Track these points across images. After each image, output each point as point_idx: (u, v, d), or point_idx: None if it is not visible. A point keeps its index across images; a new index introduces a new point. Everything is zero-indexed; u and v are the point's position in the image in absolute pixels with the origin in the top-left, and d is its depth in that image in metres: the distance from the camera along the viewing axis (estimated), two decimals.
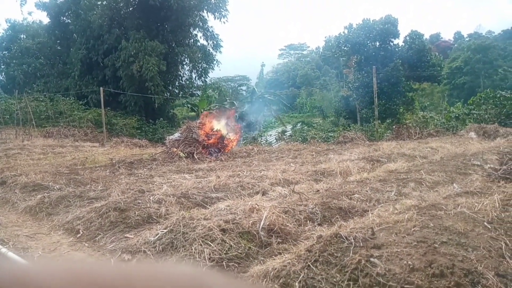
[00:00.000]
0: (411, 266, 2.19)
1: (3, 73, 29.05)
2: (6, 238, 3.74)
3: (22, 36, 30.50)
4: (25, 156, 10.71)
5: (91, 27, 24.79)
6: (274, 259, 2.83)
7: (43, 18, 37.42)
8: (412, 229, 2.76)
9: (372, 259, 2.31)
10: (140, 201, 4.68)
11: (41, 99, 21.93)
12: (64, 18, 26.71)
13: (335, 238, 2.67)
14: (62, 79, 26.60)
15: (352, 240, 2.59)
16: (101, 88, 19.21)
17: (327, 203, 4.24)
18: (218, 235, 3.25)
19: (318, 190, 5.06)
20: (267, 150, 12.01)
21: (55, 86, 26.25)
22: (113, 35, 24.40)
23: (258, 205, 3.91)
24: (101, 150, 12.85)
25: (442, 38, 59.71)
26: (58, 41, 27.77)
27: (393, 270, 2.18)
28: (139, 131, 22.73)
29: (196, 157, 9.82)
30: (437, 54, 37.83)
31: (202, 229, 3.33)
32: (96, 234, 3.96)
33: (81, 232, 4.08)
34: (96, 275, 0.21)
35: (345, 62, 35.58)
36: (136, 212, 4.31)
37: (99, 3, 26.24)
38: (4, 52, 29.69)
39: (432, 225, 2.85)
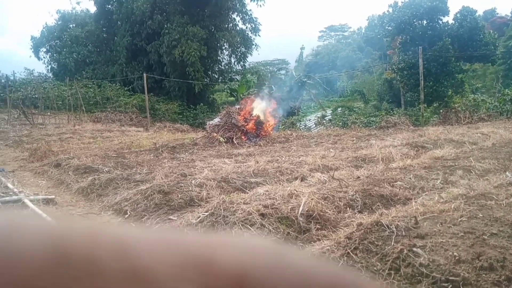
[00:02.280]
0: (457, 258, 2.11)
1: (55, 61, 30.80)
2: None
3: (71, 25, 32.06)
4: (77, 140, 11.43)
5: (134, 14, 25.48)
6: (313, 245, 2.84)
7: (90, 7, 38.98)
8: (459, 219, 2.65)
9: (415, 249, 2.25)
10: (182, 185, 4.85)
11: (89, 86, 23.08)
12: (109, 6, 27.63)
13: (376, 226, 2.62)
14: (109, 65, 27.73)
15: (394, 229, 2.53)
16: (144, 74, 19.85)
17: (368, 190, 4.16)
18: (257, 219, 3.30)
19: (359, 177, 4.97)
20: (306, 136, 11.91)
21: (102, 72, 27.45)
22: (156, 21, 24.92)
23: (296, 191, 3.92)
24: (145, 135, 13.39)
25: (498, 14, 55.13)
26: (104, 29, 28.84)
27: (437, 261, 2.12)
28: (181, 116, 23.32)
29: (235, 142, 9.96)
30: (491, 31, 35.06)
31: (241, 213, 3.40)
32: (142, 215, 4.17)
33: (129, 213, 4.32)
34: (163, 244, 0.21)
35: (389, 43, 34.03)
36: (179, 195, 4.47)
37: None
38: (56, 41, 31.40)
39: (481, 215, 2.72)
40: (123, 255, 0.19)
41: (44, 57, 31.87)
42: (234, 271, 0.20)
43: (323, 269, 0.20)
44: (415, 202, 3.46)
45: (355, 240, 2.53)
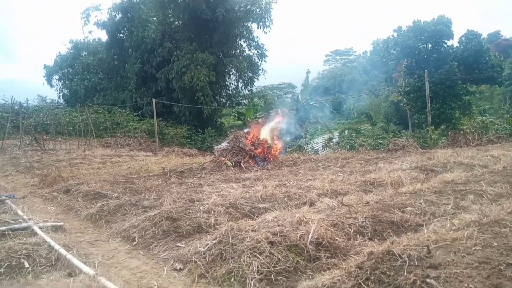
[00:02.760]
0: None
1: (67, 88, 31.57)
2: (70, 244, 4.01)
3: (83, 53, 33.05)
4: (86, 166, 11.53)
5: (145, 42, 26.24)
6: (323, 275, 2.78)
7: (102, 35, 40.15)
8: (473, 248, 2.58)
9: (428, 280, 2.19)
10: (190, 211, 4.82)
11: (100, 111, 23.53)
12: (120, 35, 28.51)
13: (387, 255, 2.56)
14: (119, 92, 28.32)
15: (406, 258, 2.47)
16: (153, 100, 20.20)
17: (378, 216, 4.09)
18: (266, 247, 3.25)
19: (368, 202, 4.90)
20: (313, 159, 11.86)
21: (113, 98, 28.02)
22: (166, 48, 25.57)
23: (306, 217, 3.87)
24: (154, 159, 13.47)
25: (502, 36, 55.43)
26: (115, 57, 29.67)
27: None
28: (189, 140, 23.53)
29: (243, 166, 9.95)
30: (497, 54, 35.19)
31: (250, 241, 3.35)
32: (150, 242, 4.13)
33: (137, 240, 4.29)
34: None
35: (395, 66, 34.29)
36: (187, 222, 4.44)
37: (152, 19, 27.73)
38: (68, 69, 32.32)
39: (495, 244, 2.64)
40: None
41: (56, 85, 32.78)
42: None
43: None
44: (427, 229, 3.39)
45: (367, 270, 2.46)
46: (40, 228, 4.55)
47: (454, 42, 30.03)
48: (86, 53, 32.85)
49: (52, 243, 3.86)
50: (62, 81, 32.37)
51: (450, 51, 28.95)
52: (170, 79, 25.02)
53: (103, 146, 18.01)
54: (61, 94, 32.29)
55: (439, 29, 28.13)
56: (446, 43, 28.93)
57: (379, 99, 41.79)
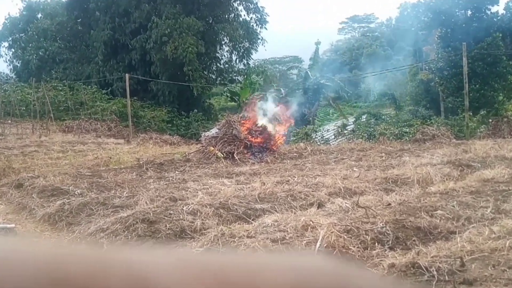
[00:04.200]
0: None
1: (19, 59, 31.23)
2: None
3: (39, 15, 32.65)
4: (43, 155, 11.51)
5: (116, 3, 25.86)
6: None
7: None
8: None
9: None
10: (171, 212, 4.85)
11: (59, 88, 23.34)
12: None
13: (412, 268, 2.60)
14: (83, 64, 28.09)
15: (435, 272, 2.50)
16: (126, 74, 20.08)
17: (401, 221, 4.13)
18: None
19: (390, 204, 4.95)
20: (323, 150, 11.91)
21: (75, 72, 27.78)
22: (143, 11, 25.21)
23: (313, 222, 3.91)
24: (126, 148, 13.47)
25: None
26: (79, 21, 29.28)
27: None
28: (170, 125, 23.50)
29: (236, 158, 9.99)
30: None
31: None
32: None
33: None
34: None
35: (425, 36, 34.20)
36: (167, 225, 4.47)
37: None
38: (20, 35, 31.95)
39: None
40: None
41: (6, 54, 32.42)
42: None
43: None
44: (460, 237, 3.42)
45: None
46: None
47: (499, 9, 29.92)
48: (42, 16, 32.48)
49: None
50: (13, 49, 32.04)
51: (495, 19, 28.84)
52: (147, 49, 24.84)
53: (63, 131, 17.94)
54: (11, 66, 32.03)
55: None
56: (489, 10, 28.80)
57: (405, 78, 41.70)
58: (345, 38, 76.57)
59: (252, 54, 28.65)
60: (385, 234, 3.89)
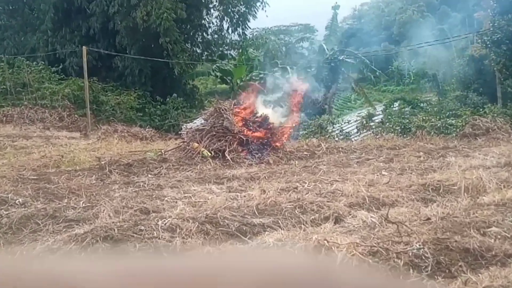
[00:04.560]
0: None
1: None
2: None
3: None
4: None
5: None
6: None
7: None
8: None
9: None
10: (142, 228, 4.87)
11: None
12: None
13: None
14: (27, 34, 27.99)
15: None
16: (83, 47, 20.01)
17: (444, 241, 4.15)
18: None
19: (429, 218, 4.97)
20: (342, 148, 11.91)
21: (16, 44, 27.68)
22: None
23: (328, 241, 3.91)
24: (83, 144, 13.44)
25: None
26: None
27: None
28: (141, 114, 23.47)
29: (228, 157, 9.98)
30: None
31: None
32: None
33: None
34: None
35: (478, 0, 34.18)
36: (137, 245, 4.48)
37: None
38: None
39: None
40: None
41: None
42: None
43: None
44: None
45: None
46: None
47: None
48: None
49: None
50: None
51: None
52: (110, 15, 24.79)
53: (0, 121, 17.90)
54: None
55: None
56: None
57: (451, 53, 41.71)
58: (371, 1, 76.49)
59: (249, 22, 28.65)
60: (423, 257, 3.90)
